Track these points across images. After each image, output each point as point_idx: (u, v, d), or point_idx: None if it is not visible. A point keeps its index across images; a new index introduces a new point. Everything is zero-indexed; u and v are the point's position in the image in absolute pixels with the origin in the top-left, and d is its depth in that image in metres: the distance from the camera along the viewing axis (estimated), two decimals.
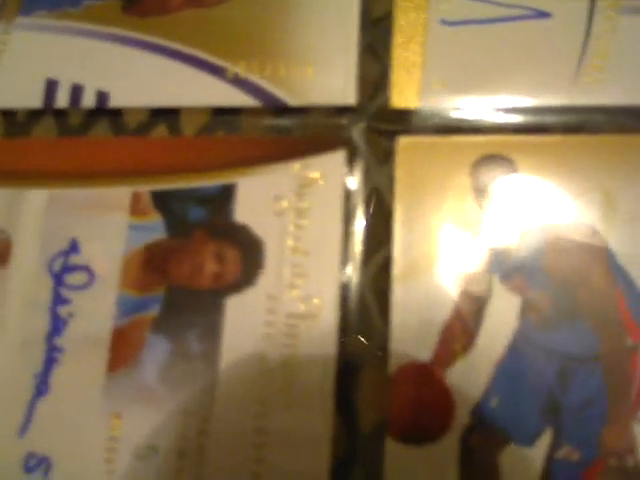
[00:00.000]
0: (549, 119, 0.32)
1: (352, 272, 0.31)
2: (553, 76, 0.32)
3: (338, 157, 0.33)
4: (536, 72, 0.32)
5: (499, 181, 0.30)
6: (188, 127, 0.35)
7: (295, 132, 0.34)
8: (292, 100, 0.34)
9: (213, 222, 0.33)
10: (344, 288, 0.31)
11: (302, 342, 0.30)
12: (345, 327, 0.30)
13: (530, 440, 0.27)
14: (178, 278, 0.32)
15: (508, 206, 0.30)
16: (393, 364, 0.29)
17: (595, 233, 0.29)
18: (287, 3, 0.36)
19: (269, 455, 0.29)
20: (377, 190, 0.32)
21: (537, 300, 0.28)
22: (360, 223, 0.32)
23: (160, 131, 0.35)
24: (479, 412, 0.28)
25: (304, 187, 0.33)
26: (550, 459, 0.27)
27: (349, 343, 0.30)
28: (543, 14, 0.33)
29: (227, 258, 0.32)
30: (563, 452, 0.27)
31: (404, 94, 0.33)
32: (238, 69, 0.35)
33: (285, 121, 0.34)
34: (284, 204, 0.32)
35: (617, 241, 0.29)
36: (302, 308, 0.30)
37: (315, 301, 0.30)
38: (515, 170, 0.30)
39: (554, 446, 0.27)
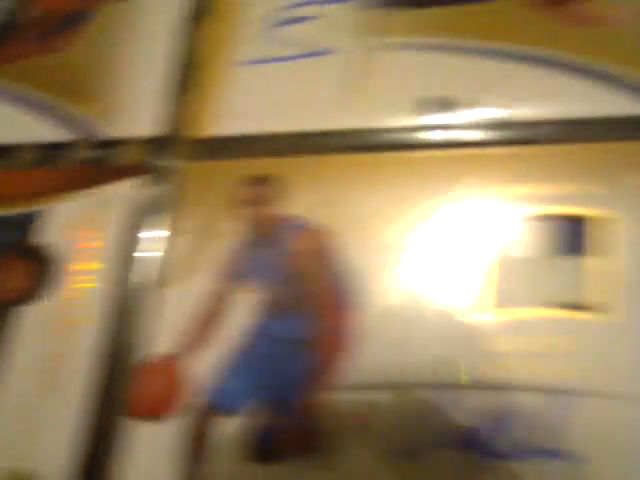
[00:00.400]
0: (318, 141, 0.35)
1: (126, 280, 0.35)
2: (323, 103, 0.36)
3: (138, 183, 0.37)
4: (310, 100, 0.36)
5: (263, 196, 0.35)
6: (21, 162, 0.40)
7: (109, 162, 0.39)
8: (108, 133, 0.39)
9: (22, 244, 0.37)
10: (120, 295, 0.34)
11: (78, 343, 0.34)
12: (116, 329, 0.34)
13: (245, 411, 0.30)
14: None
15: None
16: (151, 356, 0.33)
17: (322, 236, 0.32)
18: (114, 48, 0.41)
19: None
20: (167, 209, 0.36)
21: (272, 294, 0.32)
22: (153, 241, 0.36)
23: None
24: (210, 392, 0.31)
25: (103, 210, 0.37)
26: (259, 426, 0.30)
27: (116, 342, 0.34)
28: (324, 52, 0.37)
29: (28, 274, 0.36)
30: (270, 419, 0.30)
31: (202, 125, 0.37)
32: (67, 106, 0.40)
33: (101, 153, 0.39)
34: (83, 227, 0.37)
35: (343, 241, 0.32)
36: (81, 315, 0.34)
37: (92, 308, 0.34)
38: (276, 185, 0.34)
39: (264, 415, 0.30)
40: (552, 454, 0.28)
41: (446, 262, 0.31)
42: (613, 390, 0.28)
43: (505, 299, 0.30)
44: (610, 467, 0.27)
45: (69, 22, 0.43)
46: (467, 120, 0.33)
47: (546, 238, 0.31)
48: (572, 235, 0.30)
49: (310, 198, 0.33)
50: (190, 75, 0.39)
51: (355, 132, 0.35)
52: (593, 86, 0.33)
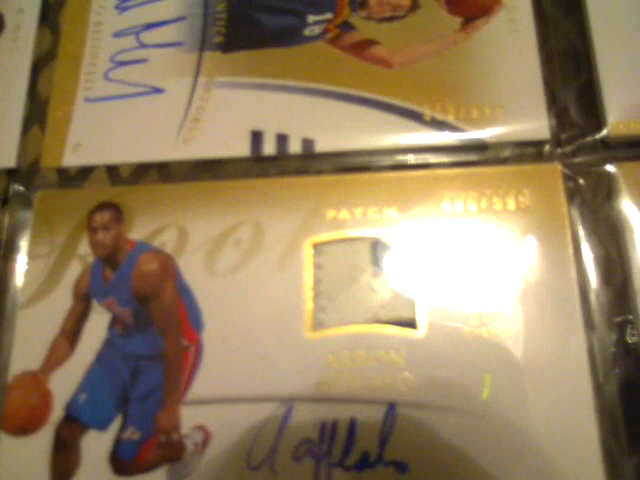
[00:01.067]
0: (156, 171, 0.40)
1: None
2: (161, 137, 0.40)
3: None
4: (150, 134, 0.41)
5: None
6: None
7: None
8: None
9: None
10: None
11: None
12: None
13: (104, 426, 0.35)
14: None
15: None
16: (11, 374, 0.37)
17: (167, 258, 0.37)
18: None
19: None
20: (22, 234, 0.40)
21: (122, 314, 0.37)
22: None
23: None
24: (70, 407, 0.36)
25: None
26: (118, 439, 0.35)
27: None
28: (159, 90, 0.42)
29: None
30: (128, 433, 0.35)
31: (52, 157, 0.41)
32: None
33: None
34: None
35: (184, 264, 0.37)
36: None
37: None
38: (120, 212, 0.39)
39: (122, 429, 0.35)
40: (387, 464, 0.33)
41: (280, 282, 0.36)
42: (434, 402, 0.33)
43: (337, 317, 0.36)
44: (429, 476, 0.33)
45: None
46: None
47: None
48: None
49: (152, 224, 0.38)
50: (41, 111, 0.43)
51: (195, 163, 0.40)
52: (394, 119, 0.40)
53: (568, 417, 0.33)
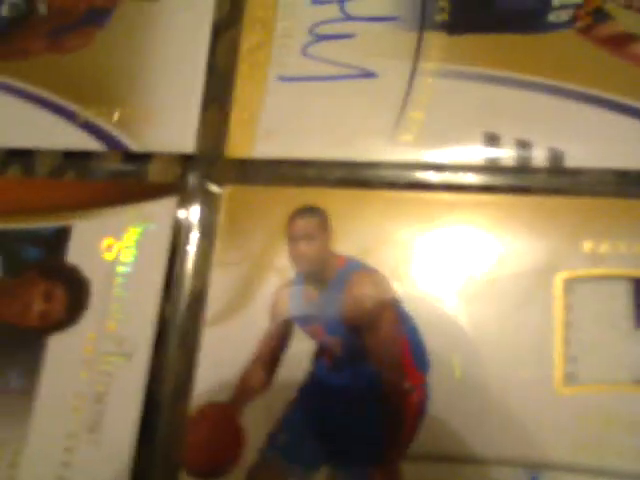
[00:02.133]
0: (367, 173, 0.34)
1: (170, 313, 0.33)
2: (373, 133, 0.34)
3: (170, 203, 0.35)
4: (358, 128, 0.34)
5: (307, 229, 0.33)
6: (41, 168, 0.37)
7: (137, 177, 0.36)
8: (136, 146, 0.36)
9: (45, 262, 0.35)
10: (161, 329, 0.33)
11: (115, 380, 0.32)
12: (158, 366, 0.32)
13: (309, 475, 0.30)
14: (7, 316, 0.34)
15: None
16: (194, 404, 0.31)
17: (384, 280, 0.31)
18: (138, 52, 0.38)
19: None
20: (204, 235, 0.34)
21: (330, 344, 0.31)
22: (185, 266, 0.34)
23: (14, 170, 0.37)
24: (267, 449, 0.30)
25: (135, 231, 0.35)
26: None
27: (158, 381, 0.32)
28: (370, 74, 0.36)
29: (55, 298, 0.34)
30: None
31: (239, 145, 0.35)
32: (88, 114, 0.37)
33: (129, 166, 0.36)
34: (114, 247, 0.35)
35: (405, 289, 0.32)
36: (119, 348, 0.33)
37: (132, 341, 0.33)
38: (326, 220, 0.33)
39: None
40: None
41: (522, 322, 0.30)
42: None
43: (591, 371, 0.29)
44: None
45: (86, 20, 0.40)
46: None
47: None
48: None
49: (365, 238, 0.32)
50: (222, 89, 0.36)
51: (406, 166, 0.34)
52: None
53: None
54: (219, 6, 0.38)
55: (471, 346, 0.30)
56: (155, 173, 0.36)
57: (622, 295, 0.31)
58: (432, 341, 0.30)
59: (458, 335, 0.30)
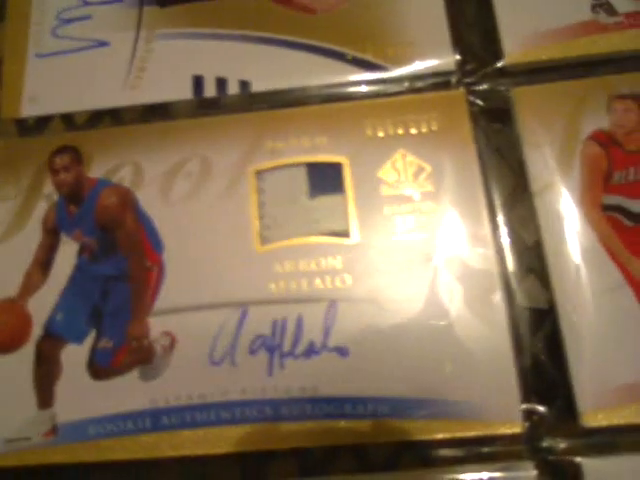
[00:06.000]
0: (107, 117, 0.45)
1: None
2: (109, 85, 0.45)
3: None
4: (99, 84, 0.45)
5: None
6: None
7: None
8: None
9: None
10: None
11: None
12: None
13: (81, 339, 0.40)
14: None
15: None
16: None
17: (126, 190, 0.42)
18: None
19: None
20: None
21: (88, 243, 0.42)
22: None
23: None
24: (48, 326, 0.40)
25: None
26: (94, 349, 0.40)
27: None
28: (104, 43, 0.46)
29: None
30: (102, 343, 0.40)
31: (10, 108, 0.45)
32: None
33: None
34: None
35: (142, 196, 0.41)
36: None
37: None
38: (80, 154, 0.43)
39: (96, 340, 0.40)
40: (331, 350, 0.39)
41: (229, 207, 0.41)
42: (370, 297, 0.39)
43: (280, 233, 0.41)
44: (368, 359, 0.38)
45: None
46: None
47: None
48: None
49: (109, 163, 0.43)
50: None
51: (143, 107, 0.45)
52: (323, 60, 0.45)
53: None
54: None
55: (194, 230, 0.41)
56: None
57: (299, 177, 0.43)
58: (165, 228, 0.41)
59: (182, 224, 0.41)
